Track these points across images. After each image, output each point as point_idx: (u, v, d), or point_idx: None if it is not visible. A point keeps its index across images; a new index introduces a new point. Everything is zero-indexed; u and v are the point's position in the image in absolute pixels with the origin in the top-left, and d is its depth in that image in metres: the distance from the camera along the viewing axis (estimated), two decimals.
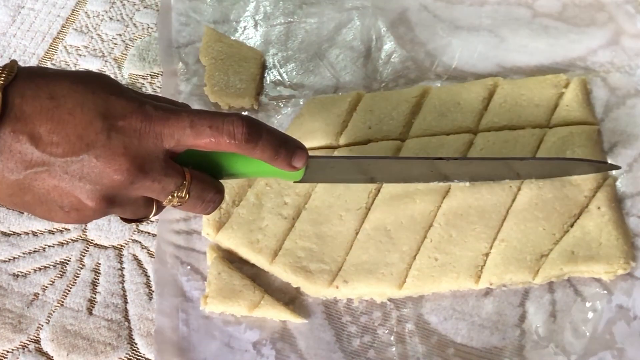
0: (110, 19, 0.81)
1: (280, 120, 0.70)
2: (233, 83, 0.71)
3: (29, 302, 0.64)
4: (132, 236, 0.66)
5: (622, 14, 0.71)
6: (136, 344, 0.61)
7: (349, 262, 0.59)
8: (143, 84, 0.76)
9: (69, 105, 0.43)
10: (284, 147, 0.49)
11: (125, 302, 0.63)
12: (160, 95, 0.73)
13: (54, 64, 0.78)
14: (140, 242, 0.66)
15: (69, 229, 0.67)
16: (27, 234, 0.67)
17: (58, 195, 0.44)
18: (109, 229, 0.67)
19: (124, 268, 0.65)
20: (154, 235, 0.65)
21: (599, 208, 0.57)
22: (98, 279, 0.64)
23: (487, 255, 0.57)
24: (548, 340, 0.55)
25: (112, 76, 0.76)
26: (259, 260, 0.61)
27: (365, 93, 0.68)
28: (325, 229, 0.60)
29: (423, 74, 0.70)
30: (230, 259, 0.62)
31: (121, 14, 0.81)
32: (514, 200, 0.59)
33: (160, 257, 0.63)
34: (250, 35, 0.76)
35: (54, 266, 0.65)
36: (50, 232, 0.67)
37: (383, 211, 0.60)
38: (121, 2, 0.82)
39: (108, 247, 0.66)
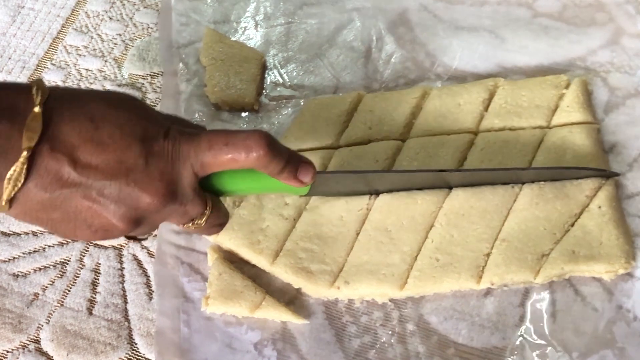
0: (110, 18, 0.81)
1: (281, 120, 0.70)
2: (233, 84, 0.71)
3: (29, 302, 0.64)
4: None
5: (622, 14, 0.71)
6: (136, 344, 0.61)
7: (350, 262, 0.59)
8: (143, 84, 0.76)
9: (108, 129, 0.43)
10: (291, 163, 0.49)
11: (125, 302, 0.63)
12: (162, 93, 0.73)
13: (53, 64, 0.78)
14: (140, 242, 0.66)
15: None
16: (27, 234, 0.67)
17: (90, 215, 0.44)
18: None
19: (124, 268, 0.65)
20: (154, 236, 0.65)
21: (599, 207, 0.57)
22: (98, 279, 0.64)
23: (488, 255, 0.57)
24: (548, 340, 0.55)
25: (112, 76, 0.76)
26: (260, 261, 0.61)
27: (365, 93, 0.68)
28: (326, 229, 0.60)
29: (423, 75, 0.70)
30: (231, 259, 0.62)
31: (121, 13, 0.81)
32: (515, 200, 0.59)
33: (161, 257, 0.63)
34: (251, 35, 0.76)
35: (54, 266, 0.65)
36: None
37: (384, 212, 0.60)
38: (121, 2, 0.82)
39: (108, 247, 0.66)
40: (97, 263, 0.65)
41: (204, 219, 0.48)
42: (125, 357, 0.60)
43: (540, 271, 0.56)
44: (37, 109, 0.42)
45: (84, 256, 0.66)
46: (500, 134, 0.63)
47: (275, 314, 0.58)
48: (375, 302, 0.59)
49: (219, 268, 0.60)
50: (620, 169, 0.62)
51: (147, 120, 0.45)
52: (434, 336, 0.57)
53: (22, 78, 0.78)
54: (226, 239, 0.61)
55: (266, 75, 0.73)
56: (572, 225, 0.57)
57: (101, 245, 0.66)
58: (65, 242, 0.67)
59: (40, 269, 0.65)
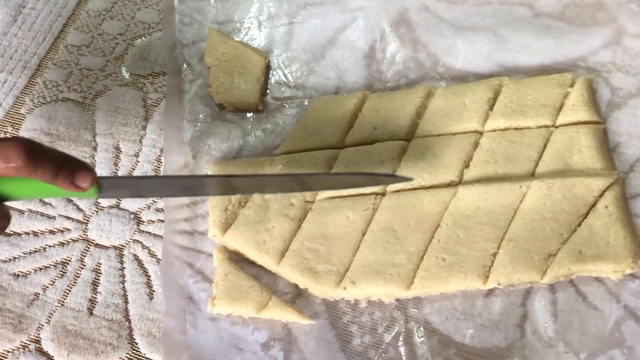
0: (112, 18, 0.81)
1: (285, 120, 0.70)
2: (238, 84, 0.71)
3: (30, 302, 0.63)
4: (132, 236, 0.66)
5: (623, 14, 0.71)
6: (137, 344, 0.60)
7: (356, 263, 0.59)
8: (144, 83, 0.76)
9: None
10: (65, 168, 0.49)
11: (126, 302, 0.63)
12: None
13: (55, 64, 0.78)
14: (141, 242, 0.66)
15: (70, 229, 0.67)
16: (27, 234, 0.67)
17: None
18: (109, 229, 0.66)
19: (124, 268, 0.64)
20: (155, 236, 0.65)
21: (606, 207, 0.57)
22: (99, 279, 0.64)
23: (494, 255, 0.57)
24: (551, 340, 0.55)
25: (114, 76, 0.76)
26: (265, 261, 0.61)
27: (370, 93, 0.68)
28: (332, 229, 0.60)
29: (427, 75, 0.70)
30: (235, 259, 0.62)
31: (122, 13, 0.81)
32: (522, 200, 0.59)
33: (167, 259, 0.63)
34: (254, 36, 0.76)
35: (55, 266, 0.65)
36: (51, 232, 0.67)
37: (390, 212, 0.60)
38: (122, 1, 0.82)
39: (109, 247, 0.66)
40: (98, 263, 0.65)
41: None
42: (125, 357, 0.60)
43: (547, 271, 0.56)
44: None
45: (84, 256, 0.65)
46: (506, 134, 0.63)
47: (282, 314, 0.58)
48: (376, 302, 0.59)
49: (225, 269, 0.60)
50: (623, 168, 0.62)
51: None
52: (435, 336, 0.57)
53: (24, 78, 0.78)
54: (232, 239, 0.61)
55: (270, 76, 0.73)
56: (579, 225, 0.57)
57: (102, 245, 0.66)
58: (66, 242, 0.67)
59: (40, 268, 0.65)
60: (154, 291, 0.63)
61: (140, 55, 0.77)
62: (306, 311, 0.59)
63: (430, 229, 0.59)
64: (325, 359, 0.57)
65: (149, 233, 0.66)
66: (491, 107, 0.65)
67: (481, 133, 0.64)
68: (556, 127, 0.63)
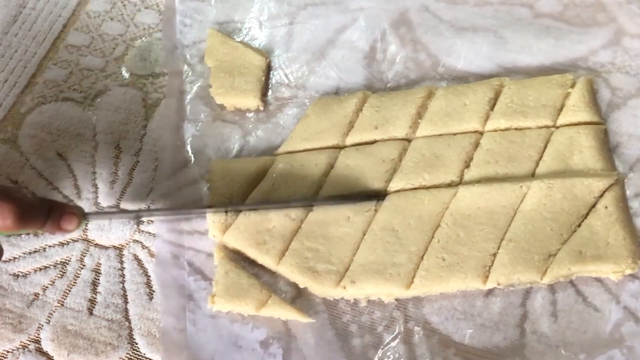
0: (112, 19, 0.81)
1: (286, 120, 0.70)
2: (238, 84, 0.71)
3: (30, 302, 0.63)
4: (132, 236, 0.66)
5: (623, 14, 0.71)
6: (137, 344, 0.60)
7: (356, 262, 0.59)
8: (144, 84, 0.76)
9: None
10: (52, 217, 0.56)
11: (126, 302, 0.62)
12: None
13: (55, 64, 0.78)
14: (141, 242, 0.65)
15: None
16: (27, 234, 0.67)
17: None
18: (109, 229, 0.66)
19: (124, 268, 0.64)
20: (155, 236, 0.65)
21: (606, 207, 0.57)
22: (98, 279, 0.64)
23: (494, 255, 0.57)
24: (551, 340, 0.55)
25: (114, 76, 0.76)
26: (266, 261, 0.61)
27: (371, 93, 0.68)
28: (332, 229, 0.60)
29: (427, 75, 0.70)
30: (235, 257, 0.62)
31: (122, 14, 0.81)
32: (522, 200, 0.59)
33: (163, 258, 0.63)
34: (255, 36, 0.76)
35: (55, 266, 0.65)
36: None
37: (390, 212, 0.60)
38: (122, 2, 0.82)
39: (109, 247, 0.66)
40: (98, 263, 0.65)
41: None
42: (125, 356, 0.60)
43: (547, 271, 0.56)
44: None
45: (84, 256, 0.65)
46: (507, 134, 0.63)
47: (281, 312, 0.58)
48: (376, 302, 0.59)
49: (225, 267, 0.60)
50: (623, 169, 0.62)
51: None
52: (435, 336, 0.57)
53: (24, 78, 0.78)
54: (232, 239, 0.61)
55: (271, 76, 0.73)
56: (579, 225, 0.57)
57: (102, 245, 0.66)
58: (65, 242, 0.67)
59: (40, 269, 0.65)
60: (153, 291, 0.63)
61: (140, 55, 0.78)
62: (306, 310, 0.59)
63: (431, 228, 0.59)
64: (324, 358, 0.57)
65: (149, 233, 0.66)
66: (492, 108, 0.65)
67: (482, 133, 0.64)
68: (557, 127, 0.63)
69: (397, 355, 0.56)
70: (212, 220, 0.62)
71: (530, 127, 0.63)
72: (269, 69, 0.74)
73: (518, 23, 0.72)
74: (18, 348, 0.61)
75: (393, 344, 0.57)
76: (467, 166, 0.62)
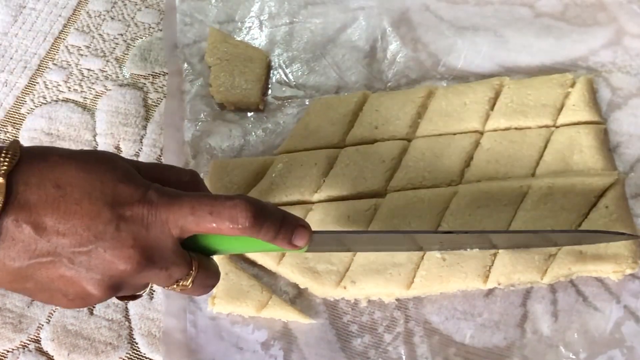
0: (112, 18, 0.81)
1: (286, 120, 0.70)
2: (239, 84, 0.71)
3: (30, 302, 0.63)
4: None
5: (623, 14, 0.71)
6: (137, 344, 0.60)
7: (356, 262, 0.59)
8: (145, 84, 0.76)
9: (76, 195, 0.42)
10: (284, 228, 0.47)
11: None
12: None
13: (55, 64, 0.78)
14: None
15: None
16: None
17: (63, 284, 0.43)
18: None
19: None
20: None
21: (606, 207, 0.57)
22: None
23: (495, 255, 0.57)
24: (551, 340, 0.55)
25: (114, 76, 0.76)
26: (266, 261, 0.61)
27: (371, 93, 0.68)
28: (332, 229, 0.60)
29: (428, 74, 0.70)
30: (235, 258, 0.62)
31: (123, 13, 0.81)
32: (522, 200, 0.59)
33: None
34: (255, 35, 0.76)
35: None
36: None
37: (390, 211, 0.60)
38: (122, 2, 0.82)
39: None
40: None
41: (189, 280, 0.46)
42: (126, 356, 0.60)
43: (548, 271, 0.56)
44: (0, 180, 0.41)
45: None
46: (507, 134, 0.63)
47: (282, 314, 0.58)
48: (376, 302, 0.59)
49: (225, 268, 0.60)
50: (623, 168, 0.62)
51: (121, 182, 0.43)
52: (435, 336, 0.57)
53: (24, 78, 0.77)
54: None
55: (271, 75, 0.73)
56: (580, 225, 0.57)
57: None
58: None
59: None
60: (154, 291, 0.63)
61: (140, 55, 0.77)
62: (306, 311, 0.59)
63: (431, 228, 0.59)
64: (325, 358, 0.57)
65: None
66: (492, 107, 0.64)
67: (482, 133, 0.64)
68: (557, 127, 0.63)
69: (397, 355, 0.56)
70: None
71: (530, 127, 0.63)
72: (269, 68, 0.74)
73: (519, 22, 0.72)
74: (18, 348, 0.61)
75: (393, 344, 0.57)
76: (467, 166, 0.62)
